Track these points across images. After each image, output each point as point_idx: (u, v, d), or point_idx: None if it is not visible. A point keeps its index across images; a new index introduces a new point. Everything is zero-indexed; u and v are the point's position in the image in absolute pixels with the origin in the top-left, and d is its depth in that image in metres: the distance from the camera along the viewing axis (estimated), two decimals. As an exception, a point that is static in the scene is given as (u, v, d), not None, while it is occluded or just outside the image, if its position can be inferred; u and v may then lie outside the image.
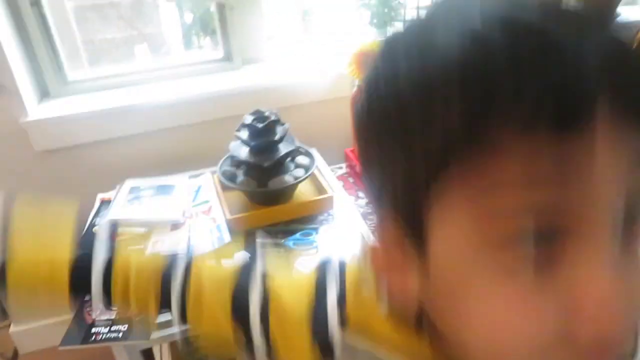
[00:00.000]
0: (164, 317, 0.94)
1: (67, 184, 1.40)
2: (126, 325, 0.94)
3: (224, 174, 1.23)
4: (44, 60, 1.35)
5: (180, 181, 1.33)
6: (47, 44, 1.35)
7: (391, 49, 0.31)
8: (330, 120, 1.51)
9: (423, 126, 0.27)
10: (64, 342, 0.93)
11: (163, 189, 1.28)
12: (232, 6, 1.42)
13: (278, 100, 1.41)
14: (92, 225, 1.19)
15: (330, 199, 1.23)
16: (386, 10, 2.14)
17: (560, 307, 0.26)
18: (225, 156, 1.26)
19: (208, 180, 1.32)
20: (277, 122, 1.20)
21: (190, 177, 1.36)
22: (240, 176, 1.23)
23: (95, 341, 0.92)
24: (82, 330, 0.94)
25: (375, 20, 2.03)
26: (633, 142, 0.25)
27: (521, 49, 0.24)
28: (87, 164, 1.40)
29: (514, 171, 0.25)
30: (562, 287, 0.26)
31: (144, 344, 0.97)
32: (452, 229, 0.28)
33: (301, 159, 1.28)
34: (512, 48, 0.25)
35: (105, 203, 1.26)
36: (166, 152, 1.44)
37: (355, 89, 1.35)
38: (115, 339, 0.92)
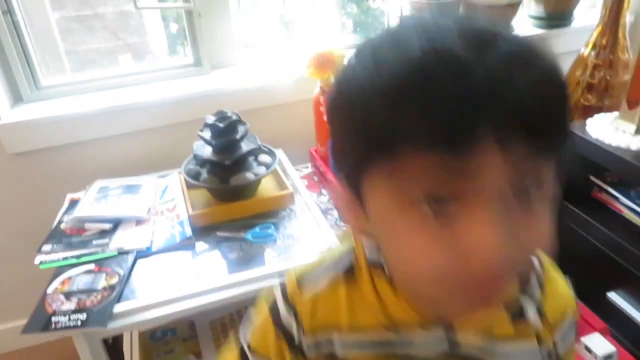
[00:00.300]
0: (126, 306, 0.99)
1: (39, 186, 1.44)
2: (85, 314, 0.98)
3: (188, 172, 1.28)
4: (17, 66, 1.40)
5: (148, 181, 1.38)
6: (19, 50, 1.40)
7: (356, 56, 0.39)
8: (295, 122, 1.57)
9: (360, 127, 0.36)
10: (26, 330, 0.97)
11: (130, 189, 1.33)
12: (199, 13, 1.48)
13: (245, 103, 1.47)
14: (60, 222, 1.23)
15: (291, 195, 1.28)
16: (369, 19, 2.22)
17: (453, 247, 0.35)
18: (190, 156, 1.31)
19: (175, 180, 1.37)
20: (238, 121, 1.25)
21: (159, 177, 1.41)
22: (204, 174, 1.28)
23: (55, 329, 0.96)
24: (42, 319, 0.98)
25: (358, 29, 2.11)
26: (515, 149, 0.33)
27: (433, 83, 0.32)
28: (59, 166, 1.44)
29: (416, 173, 0.34)
30: (456, 234, 0.35)
31: (104, 333, 1.01)
32: (377, 196, 0.39)
33: (264, 157, 1.33)
34: (426, 82, 0.32)
35: (74, 202, 1.30)
36: (136, 154, 1.49)
37: (317, 90, 1.40)
38: (74, 327, 0.96)
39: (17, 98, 1.44)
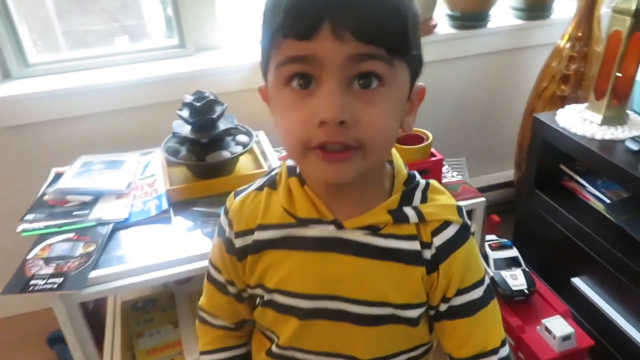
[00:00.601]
0: (102, 272, 1.05)
1: (26, 159, 1.50)
2: (62, 278, 1.04)
3: (167, 150, 1.34)
4: (5, 44, 1.45)
5: (131, 157, 1.43)
6: (8, 28, 1.45)
7: None
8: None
9: (264, 29, 0.51)
10: (5, 291, 1.03)
11: (113, 164, 1.39)
12: (184, -4, 1.52)
13: (227, 85, 1.51)
14: (43, 194, 1.29)
15: (264, 173, 1.33)
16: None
17: (310, 113, 0.48)
18: (170, 134, 1.36)
19: (157, 157, 1.42)
20: (215, 101, 1.30)
21: (142, 154, 1.46)
22: (183, 152, 1.33)
23: (32, 291, 1.02)
24: (21, 282, 1.04)
25: None
26: (348, 42, 0.45)
27: None
28: (46, 140, 1.50)
29: (286, 57, 0.48)
30: (312, 105, 0.48)
31: (80, 297, 1.06)
32: (271, 83, 0.52)
33: (241, 137, 1.38)
34: None
35: (59, 175, 1.36)
36: (121, 131, 1.54)
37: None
38: (50, 289, 1.02)
39: (5, 74, 1.50)
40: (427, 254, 0.58)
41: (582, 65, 1.58)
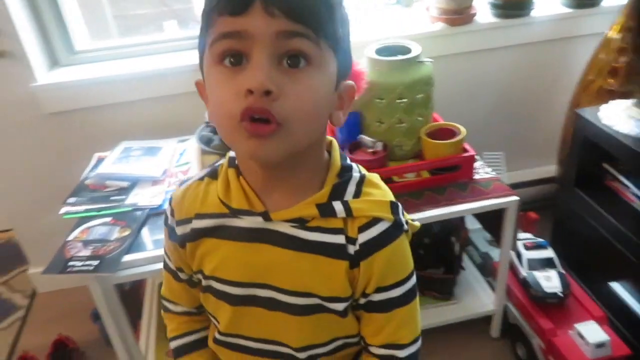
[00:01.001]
0: (135, 257, 1.09)
1: (70, 144, 1.57)
2: (97, 261, 1.10)
3: (201, 138, 1.37)
4: (53, 32, 1.52)
5: (168, 144, 1.48)
6: (56, 16, 1.51)
7: None
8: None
9: (202, 14, 0.52)
10: (46, 271, 1.11)
11: (151, 151, 1.44)
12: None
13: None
14: (85, 178, 1.35)
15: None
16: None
17: (239, 86, 0.49)
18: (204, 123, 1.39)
19: (192, 145, 1.46)
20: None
21: (179, 141, 1.51)
22: (216, 141, 1.36)
23: (70, 272, 1.09)
24: (61, 262, 1.11)
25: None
26: (278, 18, 0.48)
27: None
28: (89, 126, 1.57)
29: (219, 34, 0.50)
30: (242, 78, 0.49)
31: (114, 279, 1.12)
32: (205, 65, 0.53)
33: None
34: None
35: (100, 160, 1.42)
36: (161, 118, 1.59)
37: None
38: (86, 271, 1.08)
39: (53, 62, 1.57)
40: (351, 249, 0.58)
41: (632, 58, 1.49)
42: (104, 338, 1.67)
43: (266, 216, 0.58)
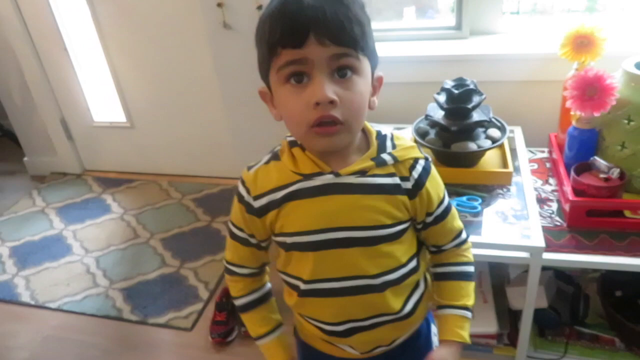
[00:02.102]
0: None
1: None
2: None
3: (417, 130, 1.37)
4: None
5: (383, 129, 1.51)
6: None
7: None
8: (539, 102, 1.48)
9: (262, 41, 0.69)
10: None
11: (367, 133, 1.49)
12: (473, -23, 1.49)
13: (490, 73, 1.45)
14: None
15: (508, 175, 1.26)
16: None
17: (305, 100, 0.66)
18: (423, 115, 1.39)
19: (407, 134, 1.48)
20: (474, 91, 1.27)
21: (395, 128, 1.54)
22: (431, 135, 1.35)
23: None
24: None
25: None
26: (328, 46, 0.65)
27: (284, 14, 0.65)
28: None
29: (284, 62, 0.66)
30: (308, 94, 0.66)
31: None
32: (273, 82, 0.71)
33: (493, 132, 1.33)
34: (281, 14, 0.66)
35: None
36: (380, 104, 1.63)
37: (571, 72, 1.29)
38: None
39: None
40: (408, 184, 0.76)
41: None
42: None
43: (336, 173, 0.73)
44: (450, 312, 0.83)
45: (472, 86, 1.27)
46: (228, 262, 0.88)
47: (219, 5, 1.61)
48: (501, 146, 1.34)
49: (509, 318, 1.40)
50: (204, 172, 2.57)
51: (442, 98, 1.29)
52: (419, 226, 0.81)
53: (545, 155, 1.47)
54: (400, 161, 0.75)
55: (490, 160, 1.34)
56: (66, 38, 2.38)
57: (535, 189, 1.30)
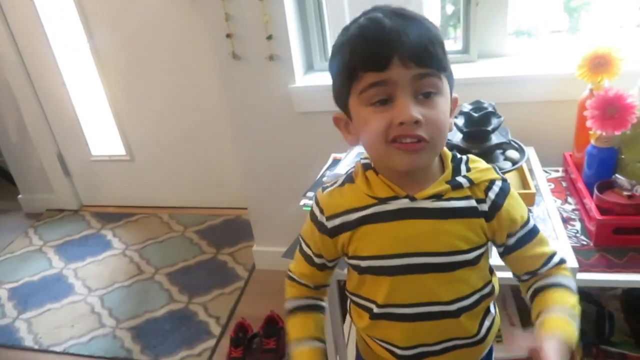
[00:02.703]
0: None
1: (312, 143, 1.73)
2: (329, 255, 1.18)
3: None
4: (315, 41, 1.68)
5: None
6: (319, 28, 1.67)
7: (342, 30, 0.72)
8: (554, 122, 1.50)
9: (341, 66, 0.70)
10: (285, 255, 1.22)
11: (382, 158, 1.49)
12: (477, 2, 1.52)
13: (504, 95, 1.46)
14: (322, 176, 1.47)
15: (532, 195, 1.26)
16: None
17: (390, 119, 0.67)
18: (440, 138, 1.39)
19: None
20: (493, 113, 1.28)
21: (409, 153, 1.54)
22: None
23: (305, 260, 1.19)
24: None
25: None
26: (411, 68, 0.65)
27: (366, 38, 0.67)
28: (329, 128, 1.68)
29: (368, 85, 0.67)
30: (391, 113, 0.67)
31: (337, 275, 1.19)
32: (354, 105, 0.71)
33: (511, 153, 1.33)
34: (363, 38, 0.67)
35: (336, 161, 1.53)
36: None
37: (586, 92, 1.32)
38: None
39: (309, 66, 1.74)
40: (484, 207, 0.75)
41: None
42: (307, 323, 1.81)
43: (411, 197, 0.74)
44: (555, 315, 0.71)
45: (490, 109, 1.27)
46: (290, 271, 0.91)
47: (228, 36, 1.61)
48: (520, 167, 1.34)
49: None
50: (205, 203, 2.55)
51: (460, 121, 1.30)
52: (501, 250, 0.80)
53: (560, 174, 1.48)
54: (476, 184, 0.75)
55: (510, 182, 1.34)
56: (65, 73, 2.37)
57: (557, 209, 1.30)
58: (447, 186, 0.74)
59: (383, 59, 0.65)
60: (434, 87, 0.68)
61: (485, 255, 0.79)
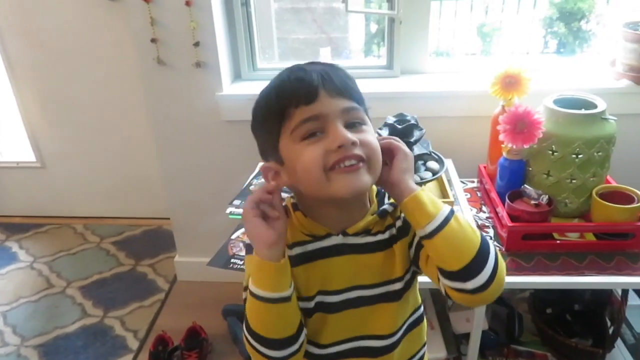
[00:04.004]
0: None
1: (239, 152, 1.71)
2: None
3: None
4: (242, 49, 1.68)
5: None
6: (247, 36, 1.67)
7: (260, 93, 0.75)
8: (470, 136, 1.60)
9: (269, 114, 0.71)
10: (211, 263, 1.20)
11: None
12: (401, 20, 1.59)
13: (425, 110, 1.54)
14: (249, 184, 1.46)
15: (450, 204, 1.33)
16: (576, 42, 2.12)
17: (324, 147, 0.67)
18: (366, 149, 1.43)
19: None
20: (415, 126, 1.34)
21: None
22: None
23: (231, 268, 1.17)
24: (224, 258, 1.20)
25: (562, 50, 2.04)
26: (337, 98, 0.69)
27: (291, 80, 0.70)
28: (256, 136, 1.69)
29: (299, 122, 0.68)
30: (324, 142, 0.68)
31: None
32: (286, 146, 0.70)
33: (432, 164, 1.40)
34: (288, 80, 0.70)
35: (263, 170, 1.53)
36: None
37: (498, 109, 1.42)
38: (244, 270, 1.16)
39: (237, 75, 1.73)
40: (399, 222, 0.77)
41: None
42: (231, 334, 1.78)
43: (344, 233, 0.75)
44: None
45: (412, 121, 1.34)
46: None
47: (153, 41, 1.56)
48: (439, 178, 1.41)
49: (455, 343, 1.46)
50: (124, 213, 2.43)
51: (385, 132, 1.35)
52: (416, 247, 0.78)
53: (475, 185, 1.57)
54: (396, 206, 0.77)
55: (431, 192, 1.41)
56: (-33, 72, 2.18)
57: (473, 217, 1.39)
58: (375, 217, 0.76)
59: (311, 93, 0.67)
60: (360, 119, 0.71)
61: (414, 278, 0.81)
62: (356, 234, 0.76)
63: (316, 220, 0.75)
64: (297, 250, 0.76)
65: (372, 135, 0.71)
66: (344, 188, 0.68)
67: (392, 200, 0.78)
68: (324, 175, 0.67)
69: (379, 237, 0.77)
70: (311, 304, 0.76)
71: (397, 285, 0.77)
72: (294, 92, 0.68)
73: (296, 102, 0.68)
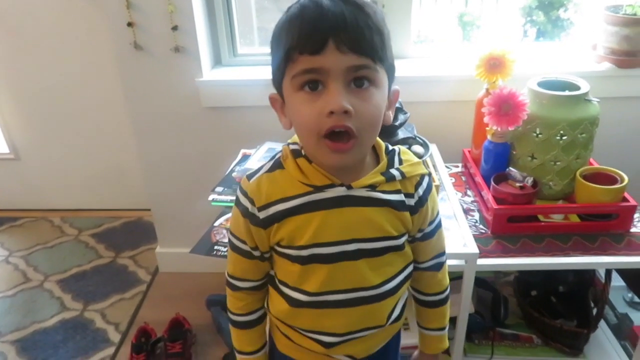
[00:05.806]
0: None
1: (220, 138, 1.68)
2: (240, 250, 1.15)
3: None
4: (222, 34, 1.64)
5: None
6: (227, 20, 1.63)
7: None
8: (454, 121, 1.59)
9: (277, 47, 0.68)
10: (193, 250, 1.17)
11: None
12: (383, 4, 1.57)
13: (410, 94, 1.50)
14: (232, 171, 1.43)
15: (436, 189, 1.32)
16: (555, 30, 2.13)
17: (320, 107, 0.64)
18: (350, 134, 1.42)
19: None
20: (400, 109, 1.33)
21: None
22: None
23: (215, 255, 1.15)
24: (207, 245, 1.17)
25: (541, 38, 2.04)
26: (347, 55, 0.63)
27: (305, 18, 0.64)
28: (239, 123, 1.66)
29: (300, 69, 0.65)
30: (322, 102, 0.65)
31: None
32: (286, 89, 0.68)
33: (417, 148, 1.39)
34: (302, 15, 0.65)
35: (246, 157, 1.50)
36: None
37: (482, 92, 1.41)
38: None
39: (217, 61, 1.69)
40: (411, 201, 0.78)
41: None
42: (215, 324, 1.75)
43: (348, 186, 0.73)
44: (433, 334, 0.95)
45: (397, 105, 1.32)
46: (230, 276, 0.86)
47: (130, 24, 1.52)
48: (424, 162, 1.40)
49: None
50: (103, 205, 2.38)
51: (369, 117, 1.33)
52: (409, 239, 0.83)
53: (460, 169, 1.57)
54: (407, 177, 0.77)
55: (414, 176, 1.40)
56: None
57: (458, 201, 1.38)
58: (382, 178, 0.75)
59: (318, 42, 0.62)
60: (368, 78, 0.65)
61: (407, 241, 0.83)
62: (361, 187, 0.74)
63: (321, 166, 0.73)
64: (297, 201, 0.74)
65: (375, 102, 0.67)
66: (329, 161, 0.69)
67: (401, 167, 0.77)
68: (316, 141, 0.67)
69: (386, 196, 0.76)
70: (304, 253, 0.76)
71: (397, 242, 0.79)
72: (301, 36, 0.64)
73: (301, 48, 0.63)
